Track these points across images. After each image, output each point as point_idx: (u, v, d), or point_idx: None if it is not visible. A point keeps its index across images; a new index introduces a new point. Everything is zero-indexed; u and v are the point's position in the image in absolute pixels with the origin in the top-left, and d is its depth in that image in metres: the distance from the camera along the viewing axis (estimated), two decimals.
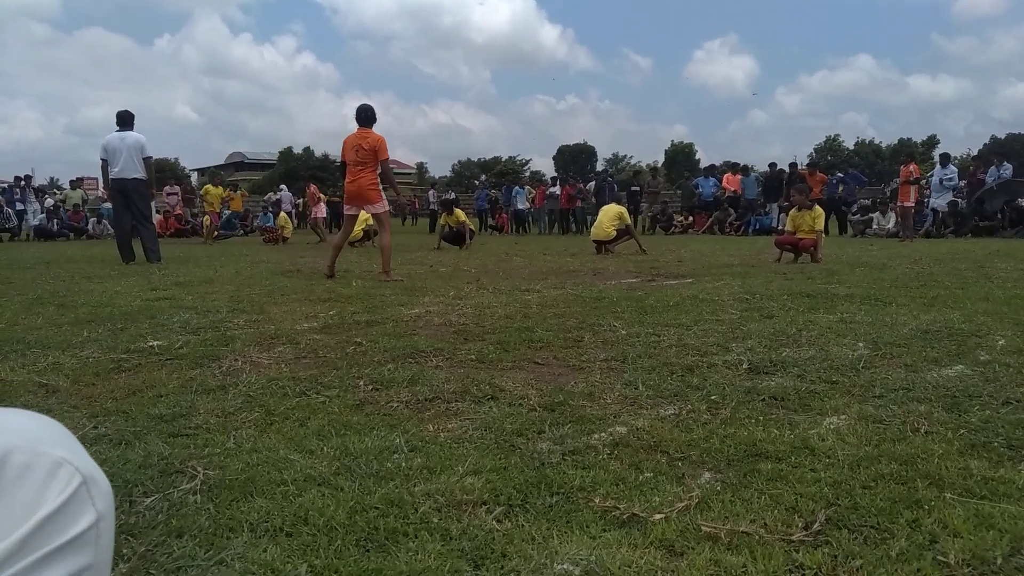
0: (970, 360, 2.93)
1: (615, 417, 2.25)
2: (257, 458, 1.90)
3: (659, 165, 46.71)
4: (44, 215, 19.33)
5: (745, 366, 2.88)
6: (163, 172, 33.07)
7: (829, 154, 52.80)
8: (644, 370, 2.85)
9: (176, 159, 60.11)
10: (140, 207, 8.93)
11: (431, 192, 25.92)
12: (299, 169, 49.88)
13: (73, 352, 3.28)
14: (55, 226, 19.01)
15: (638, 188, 20.54)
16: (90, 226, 19.94)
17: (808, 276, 6.38)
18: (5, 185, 20.47)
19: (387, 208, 7.17)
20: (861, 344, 3.26)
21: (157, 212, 16.92)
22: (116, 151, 8.72)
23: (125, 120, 8.93)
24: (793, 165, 18.35)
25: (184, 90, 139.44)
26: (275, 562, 1.35)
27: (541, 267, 8.11)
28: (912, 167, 13.59)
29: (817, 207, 8.79)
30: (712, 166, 21.59)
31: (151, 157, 9.03)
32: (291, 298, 5.23)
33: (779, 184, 17.42)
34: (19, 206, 18.92)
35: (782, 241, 8.73)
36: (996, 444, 1.94)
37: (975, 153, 33.11)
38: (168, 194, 21.31)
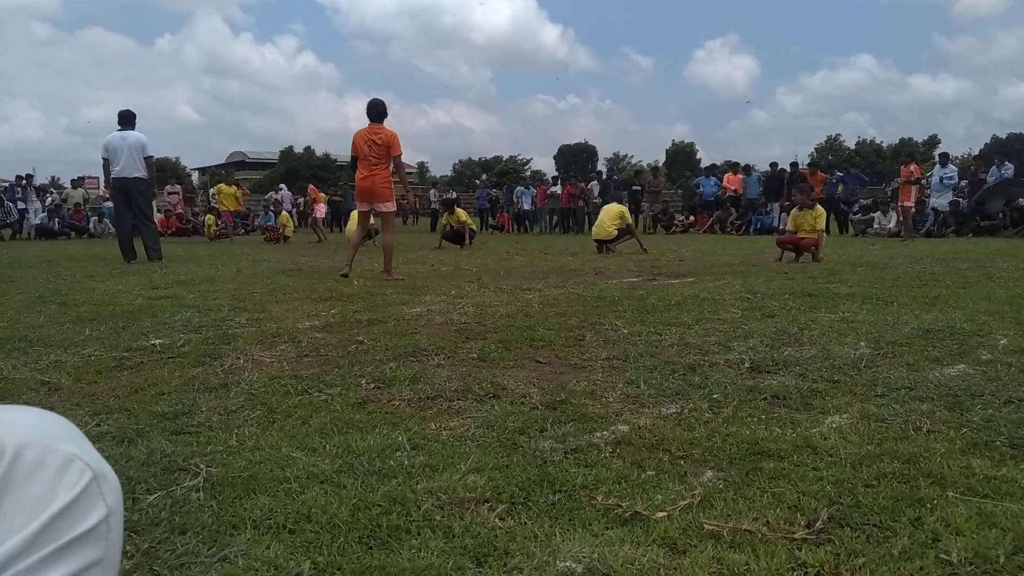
0: (972, 359, 2.93)
1: (617, 415, 2.25)
2: (259, 456, 1.90)
3: (660, 164, 46.68)
4: (45, 214, 19.34)
5: (747, 365, 2.88)
6: (164, 171, 33.08)
7: (830, 154, 52.82)
8: (646, 369, 2.85)
9: (177, 158, 60.15)
10: (141, 206, 8.94)
11: (432, 191, 25.91)
12: (300, 168, 49.95)
13: (75, 350, 3.28)
14: (56, 225, 19.01)
15: (639, 187, 20.53)
16: (91, 225, 19.94)
17: (809, 275, 6.38)
18: (7, 184, 20.47)
19: (395, 208, 7.16)
20: (863, 343, 3.26)
21: (158, 211, 16.97)
22: (117, 150, 8.72)
23: (126, 119, 8.93)
24: (794, 165, 18.36)
25: (185, 90, 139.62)
26: (278, 559, 1.35)
27: (542, 266, 8.11)
28: (913, 167, 13.58)
29: (818, 207, 8.78)
30: (713, 165, 21.59)
31: (152, 156, 9.03)
32: (293, 297, 5.23)
33: (780, 184, 17.42)
34: (21, 205, 18.93)
35: (783, 240, 8.73)
36: (998, 443, 1.94)
37: (976, 153, 33.05)
38: (169, 193, 21.33)
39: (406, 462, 1.85)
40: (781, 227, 13.32)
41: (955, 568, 1.31)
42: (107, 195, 16.56)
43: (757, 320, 3.95)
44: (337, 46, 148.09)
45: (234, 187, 17.21)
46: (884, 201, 16.24)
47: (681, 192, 24.72)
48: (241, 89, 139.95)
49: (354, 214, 13.65)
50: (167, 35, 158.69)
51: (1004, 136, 53.12)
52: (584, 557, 1.35)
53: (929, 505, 1.55)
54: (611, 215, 10.79)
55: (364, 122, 6.84)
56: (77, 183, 23.02)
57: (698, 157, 58.11)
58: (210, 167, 63.91)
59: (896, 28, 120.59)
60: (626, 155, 66.57)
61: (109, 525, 0.63)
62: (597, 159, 61.91)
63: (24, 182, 19.84)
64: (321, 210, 18.59)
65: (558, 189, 21.08)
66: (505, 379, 2.70)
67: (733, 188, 18.77)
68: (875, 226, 15.38)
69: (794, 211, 8.80)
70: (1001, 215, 14.47)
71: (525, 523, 1.50)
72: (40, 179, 25.66)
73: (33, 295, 5.36)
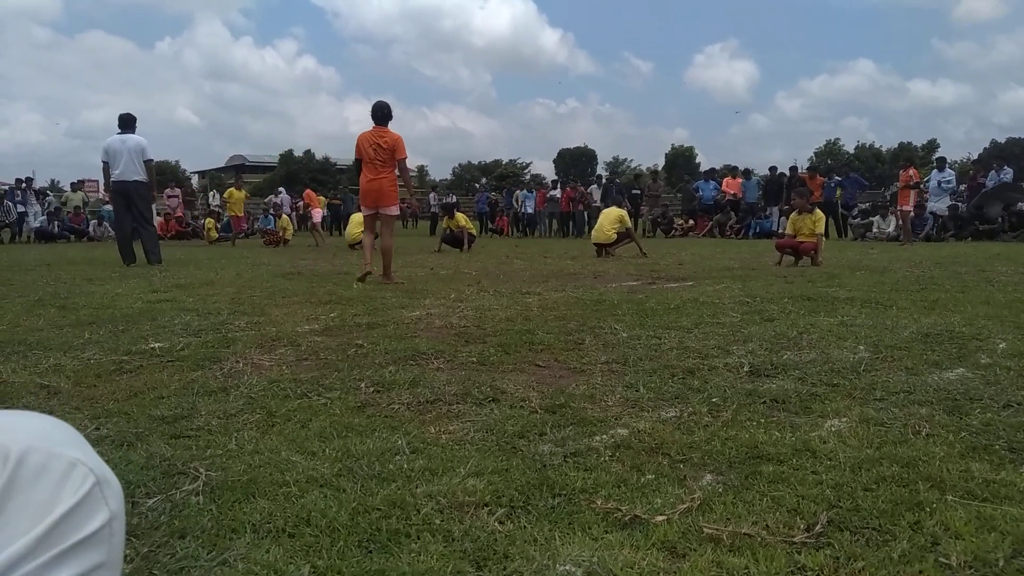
0: (971, 363, 2.93)
1: (616, 419, 2.25)
2: (259, 459, 1.90)
3: (659, 168, 46.72)
4: (45, 217, 19.34)
5: (746, 369, 2.89)
6: (164, 175, 33.10)
7: (829, 158, 52.87)
8: (645, 372, 2.85)
9: (177, 162, 60.17)
10: (141, 209, 8.94)
11: (432, 195, 25.94)
12: (300, 172, 50.03)
13: (74, 354, 3.28)
14: (56, 228, 19.02)
15: (639, 191, 20.55)
16: (91, 228, 19.95)
17: (808, 279, 6.38)
18: (6, 187, 20.48)
19: (399, 212, 7.16)
20: (862, 347, 3.26)
21: (158, 214, 16.97)
22: (117, 153, 8.73)
23: (127, 123, 8.95)
24: (793, 169, 18.37)
25: (185, 93, 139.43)
26: (278, 563, 1.35)
27: (542, 270, 8.11)
28: (912, 171, 13.59)
29: (818, 211, 8.80)
30: (712, 170, 21.61)
31: (152, 160, 9.04)
32: (292, 300, 5.23)
33: (779, 188, 17.43)
34: (20, 208, 18.93)
35: (782, 244, 8.74)
36: (997, 447, 1.94)
37: (976, 157, 33.11)
38: (169, 196, 21.34)
39: (405, 466, 1.85)
40: (780, 231, 13.32)
41: (954, 572, 1.31)
42: (107, 198, 16.56)
43: (756, 324, 3.95)
44: (337, 50, 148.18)
45: (243, 191, 17.20)
46: (883, 205, 16.26)
47: (680, 196, 24.75)
48: (241, 93, 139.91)
49: (354, 217, 13.78)
50: (167, 39, 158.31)
51: (1003, 141, 53.23)
52: (583, 561, 1.35)
53: (928, 509, 1.55)
54: (610, 219, 10.80)
55: (365, 125, 6.84)
56: (77, 186, 23.04)
57: (698, 161, 58.20)
58: (210, 170, 63.89)
59: (895, 33, 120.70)
60: (626, 159, 66.70)
61: (112, 529, 0.64)
62: (597, 163, 62.07)
63: (24, 185, 19.85)
64: (318, 215, 18.59)
65: (557, 193, 21.12)
66: (504, 383, 2.71)
67: (732, 192, 18.79)
68: (874, 230, 15.39)
69: (793, 215, 8.81)
70: (1000, 219, 14.48)
71: (524, 527, 1.50)
72: (40, 182, 25.71)
73: (32, 298, 5.36)
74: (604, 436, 2.08)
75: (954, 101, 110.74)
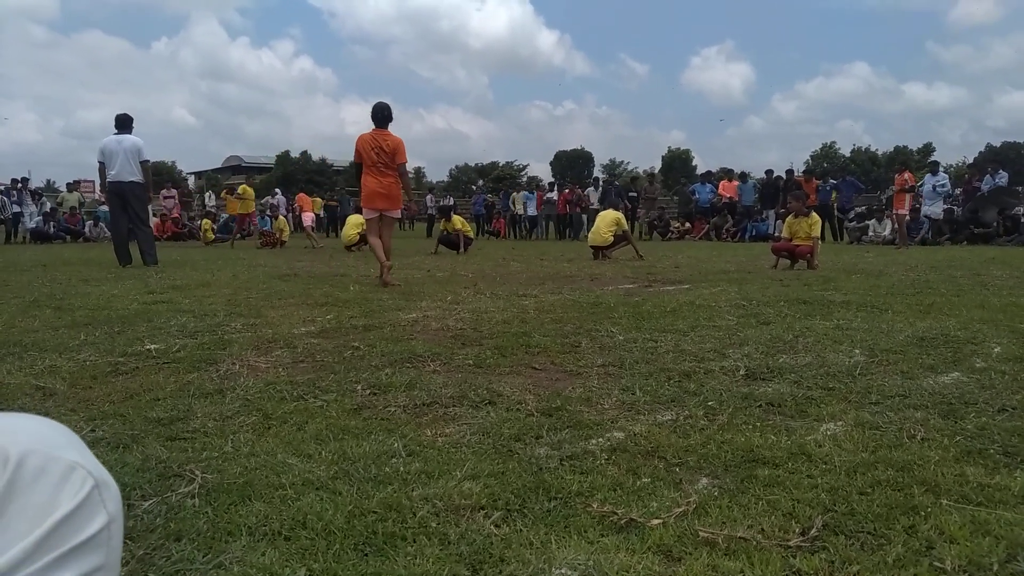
0: (966, 367, 2.94)
1: (612, 422, 2.25)
2: (255, 462, 1.90)
3: (656, 171, 46.75)
4: (40, 217, 19.29)
5: (742, 372, 2.89)
6: (160, 175, 33.01)
7: (825, 161, 53.05)
8: (641, 376, 2.85)
9: (173, 162, 60.15)
10: (137, 210, 8.93)
11: (429, 196, 25.94)
12: (296, 173, 49.98)
13: (70, 355, 3.28)
14: (51, 228, 18.97)
15: (635, 194, 20.59)
16: (87, 229, 19.89)
17: (804, 283, 6.40)
18: (2, 187, 20.41)
19: (399, 215, 7.14)
20: (858, 351, 3.27)
21: (154, 215, 16.92)
22: (113, 154, 8.72)
23: (123, 123, 8.94)
24: (790, 172, 18.44)
25: (182, 93, 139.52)
26: (273, 566, 1.35)
27: (538, 272, 8.12)
28: (907, 175, 13.64)
29: (814, 214, 8.83)
30: (709, 172, 21.68)
31: (148, 160, 9.02)
32: (288, 302, 5.23)
33: (776, 191, 17.48)
34: (16, 208, 18.88)
35: (779, 248, 8.76)
36: (992, 451, 1.95)
37: (971, 161, 33.22)
38: (165, 197, 21.29)
39: (402, 469, 1.85)
40: (776, 234, 13.37)
41: None
42: (103, 199, 16.53)
43: (752, 327, 3.96)
44: (334, 50, 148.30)
45: (252, 191, 17.13)
46: (879, 209, 16.31)
47: (677, 199, 24.81)
48: (238, 93, 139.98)
49: (351, 219, 13.76)
50: (164, 38, 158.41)
51: (999, 144, 53.44)
52: (579, 564, 1.35)
53: (923, 513, 1.55)
54: (607, 221, 10.80)
55: (362, 126, 6.86)
56: (73, 186, 22.97)
57: (694, 164, 58.39)
58: (206, 171, 63.82)
59: (891, 36, 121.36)
60: (622, 161, 66.87)
61: (110, 532, 0.64)
62: (593, 165, 62.12)
63: (20, 185, 19.80)
64: (308, 218, 18.55)
65: (554, 195, 21.13)
66: (501, 385, 2.71)
67: (728, 195, 18.84)
68: (870, 233, 15.44)
69: (789, 218, 8.84)
70: (995, 223, 14.53)
71: (520, 530, 1.51)
72: (36, 182, 25.64)
73: (28, 299, 5.34)
74: (600, 439, 2.09)
75: (949, 104, 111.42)
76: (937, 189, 14.93)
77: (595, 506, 1.61)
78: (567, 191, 20.79)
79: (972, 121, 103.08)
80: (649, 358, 3.18)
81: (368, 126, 6.80)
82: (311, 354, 3.32)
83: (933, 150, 55.92)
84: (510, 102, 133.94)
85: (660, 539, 1.45)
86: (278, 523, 1.53)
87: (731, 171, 20.74)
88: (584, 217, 19.44)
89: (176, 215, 20.92)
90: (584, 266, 9.09)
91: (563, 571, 1.33)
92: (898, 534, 1.47)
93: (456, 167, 65.58)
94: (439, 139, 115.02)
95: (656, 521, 1.52)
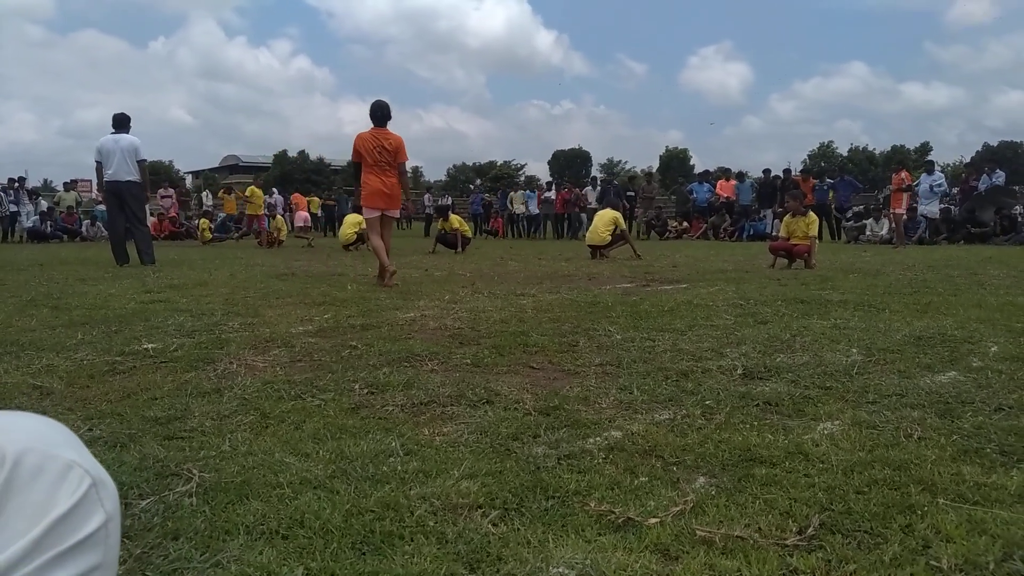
0: (963, 366, 2.95)
1: (610, 421, 2.25)
2: (252, 461, 1.90)
3: (654, 170, 46.78)
4: (37, 217, 19.25)
5: (739, 371, 2.89)
6: (157, 175, 32.93)
7: (823, 160, 53.11)
8: (639, 375, 2.85)
9: (171, 162, 59.98)
10: (134, 209, 8.91)
11: (426, 196, 25.93)
12: (294, 172, 49.94)
13: (67, 354, 3.27)
14: (48, 228, 18.94)
15: (633, 193, 20.59)
16: (84, 228, 19.87)
17: (802, 282, 6.40)
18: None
19: (398, 215, 7.13)
20: (855, 350, 3.28)
21: (151, 215, 16.89)
22: (110, 153, 8.70)
23: (120, 123, 8.92)
24: (787, 171, 18.46)
25: (179, 93, 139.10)
26: (271, 565, 1.35)
27: (536, 271, 8.12)
28: (904, 174, 13.68)
29: (811, 213, 8.85)
30: (706, 172, 21.70)
31: (145, 160, 9.00)
32: (286, 301, 5.22)
33: (773, 190, 17.51)
34: (12, 208, 18.84)
35: (776, 247, 8.77)
36: (988, 450, 1.96)
37: (968, 160, 33.29)
38: (162, 197, 21.26)
39: (399, 468, 1.85)
40: (774, 234, 13.37)
41: (945, 575, 1.32)
42: (100, 198, 16.51)
43: (750, 326, 3.96)
44: (332, 50, 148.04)
45: (261, 190, 17.04)
46: (876, 208, 16.33)
47: (675, 198, 24.82)
48: (235, 93, 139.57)
49: (348, 218, 13.74)
50: (161, 38, 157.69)
51: (995, 144, 53.56)
52: (577, 563, 1.35)
53: (920, 512, 1.56)
54: (605, 220, 10.80)
55: (359, 126, 6.77)
56: (70, 186, 22.94)
57: (692, 163, 58.41)
58: (203, 171, 63.75)
59: (889, 36, 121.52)
60: (620, 161, 66.87)
61: (108, 531, 0.64)
62: (591, 165, 62.14)
63: (16, 185, 19.75)
64: (300, 217, 18.52)
65: (552, 195, 21.13)
66: (498, 385, 2.71)
67: (726, 195, 18.85)
68: (867, 233, 15.45)
69: (787, 218, 8.85)
70: (992, 223, 14.56)
71: (518, 529, 1.51)
72: (33, 182, 25.59)
73: (25, 298, 5.33)
74: (598, 438, 2.09)
75: (947, 104, 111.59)
76: (934, 189, 14.94)
77: (592, 505, 1.61)
78: (565, 190, 20.79)
79: (969, 121, 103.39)
80: (647, 357, 3.18)
81: (366, 125, 6.78)
82: (309, 353, 3.32)
83: (930, 149, 56.12)
84: (508, 102, 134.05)
85: (657, 538, 1.45)
86: (276, 522, 1.53)
87: (729, 170, 20.74)
88: (583, 216, 19.45)
89: (174, 214, 20.89)
90: (582, 265, 9.09)
91: (560, 570, 1.33)
92: (895, 533, 1.47)
93: (454, 166, 65.61)
94: (437, 138, 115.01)
95: (653, 520, 1.53)
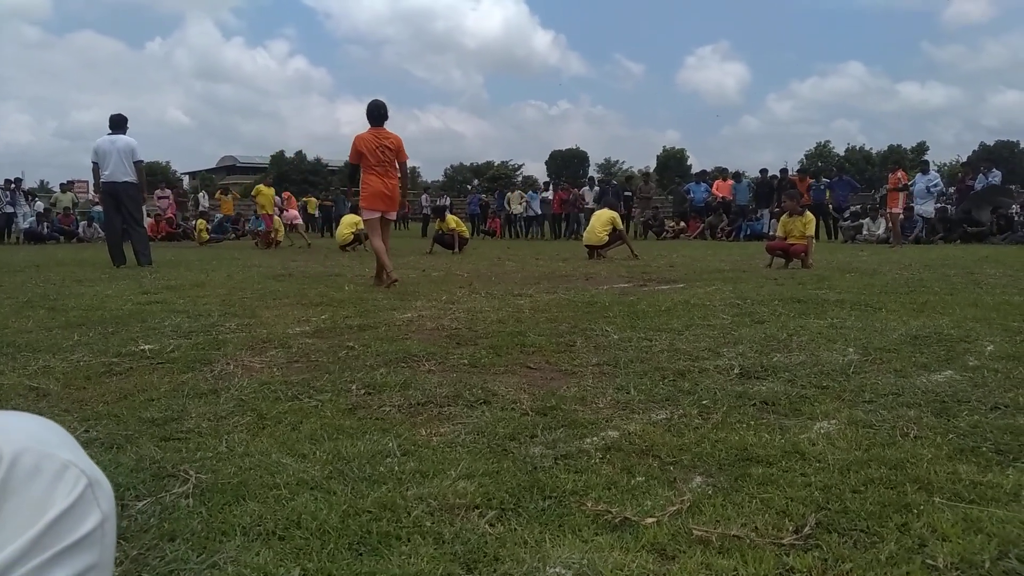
0: (959, 365, 2.95)
1: (607, 421, 2.26)
2: (249, 462, 1.90)
3: (651, 170, 46.77)
4: (34, 218, 19.21)
5: (736, 371, 2.90)
6: (154, 175, 32.90)
7: (820, 160, 53.18)
8: (636, 375, 2.86)
9: (167, 162, 59.86)
10: (131, 210, 8.90)
11: (424, 196, 25.92)
12: (291, 173, 49.89)
13: (64, 355, 3.27)
14: (45, 229, 18.90)
15: (630, 193, 20.61)
16: (80, 229, 19.82)
17: (799, 282, 6.41)
18: None
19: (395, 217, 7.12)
20: (851, 349, 3.28)
21: (148, 215, 16.86)
22: (107, 154, 8.69)
23: (117, 124, 8.91)
24: (784, 171, 18.47)
25: (176, 94, 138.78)
26: (268, 566, 1.35)
27: (533, 272, 8.12)
28: (900, 174, 13.70)
29: (808, 213, 8.85)
30: (703, 172, 21.71)
31: (142, 161, 9.00)
32: (283, 302, 5.22)
33: (770, 190, 17.52)
34: (9, 209, 18.79)
35: (773, 247, 8.78)
36: (984, 449, 1.96)
37: (964, 160, 33.35)
38: (159, 197, 21.22)
39: (396, 468, 1.85)
40: (771, 233, 13.39)
41: (941, 573, 1.32)
42: (96, 199, 16.46)
43: (747, 326, 3.97)
44: (329, 50, 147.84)
45: (272, 188, 16.90)
46: (873, 208, 16.35)
47: (672, 198, 24.82)
48: (232, 93, 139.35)
49: (345, 219, 13.73)
50: (158, 39, 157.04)
51: (992, 143, 53.65)
52: (574, 563, 1.35)
53: (916, 511, 1.56)
54: (602, 220, 10.80)
55: (356, 126, 6.82)
56: (66, 187, 22.91)
57: (689, 163, 58.40)
58: (200, 171, 63.68)
59: (885, 36, 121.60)
60: (617, 161, 66.85)
61: (103, 531, 0.64)
62: (588, 165, 62.17)
63: (13, 186, 19.70)
64: (291, 215, 18.45)
65: (549, 195, 21.14)
66: (496, 385, 2.71)
67: (723, 195, 18.87)
68: (864, 232, 15.47)
69: (784, 217, 8.86)
70: (988, 222, 14.59)
71: (515, 529, 1.51)
72: (29, 183, 25.54)
73: (21, 300, 5.32)
74: (595, 438, 2.09)
75: (943, 104, 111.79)
76: (930, 189, 14.96)
77: (589, 505, 1.61)
78: (562, 190, 20.79)
79: (966, 120, 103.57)
80: (644, 357, 3.18)
81: (363, 126, 6.75)
82: (306, 354, 3.32)
83: (927, 149, 56.17)
84: (505, 102, 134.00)
85: (654, 538, 1.45)
86: (272, 523, 1.53)
87: (726, 170, 20.77)
88: (582, 216, 19.46)
89: (171, 215, 20.85)
90: (579, 265, 9.10)
91: (557, 570, 1.34)
92: (891, 532, 1.47)
93: (451, 167, 65.63)
94: (434, 139, 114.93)
95: (650, 520, 1.53)
